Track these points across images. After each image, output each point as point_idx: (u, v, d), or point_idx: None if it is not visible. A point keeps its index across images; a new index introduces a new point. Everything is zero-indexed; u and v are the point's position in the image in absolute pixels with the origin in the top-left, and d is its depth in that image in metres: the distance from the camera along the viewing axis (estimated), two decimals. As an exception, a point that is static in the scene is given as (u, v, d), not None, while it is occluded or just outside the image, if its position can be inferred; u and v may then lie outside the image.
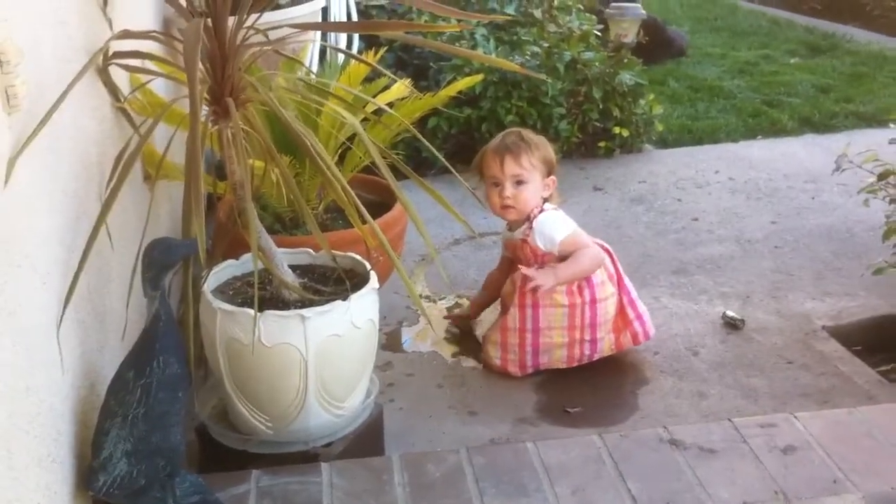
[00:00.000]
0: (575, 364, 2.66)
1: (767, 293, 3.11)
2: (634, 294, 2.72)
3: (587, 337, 2.63)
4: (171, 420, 1.72)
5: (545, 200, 2.71)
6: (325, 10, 4.01)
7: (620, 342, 2.69)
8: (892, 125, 4.72)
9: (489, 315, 2.86)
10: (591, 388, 2.59)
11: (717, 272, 3.28)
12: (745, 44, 6.74)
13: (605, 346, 2.67)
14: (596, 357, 2.66)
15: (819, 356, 2.72)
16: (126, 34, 2.05)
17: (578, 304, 2.61)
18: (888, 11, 7.18)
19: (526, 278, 2.60)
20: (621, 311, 2.68)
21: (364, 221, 1.99)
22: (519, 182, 2.66)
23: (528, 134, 2.76)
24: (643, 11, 4.94)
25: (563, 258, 2.64)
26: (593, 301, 2.62)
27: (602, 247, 2.69)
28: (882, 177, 2.91)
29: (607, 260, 2.68)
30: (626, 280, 2.73)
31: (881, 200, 2.93)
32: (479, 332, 2.84)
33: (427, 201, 2.14)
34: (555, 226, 2.65)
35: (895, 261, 2.79)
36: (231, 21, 1.99)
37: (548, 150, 2.73)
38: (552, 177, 2.72)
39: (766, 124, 4.88)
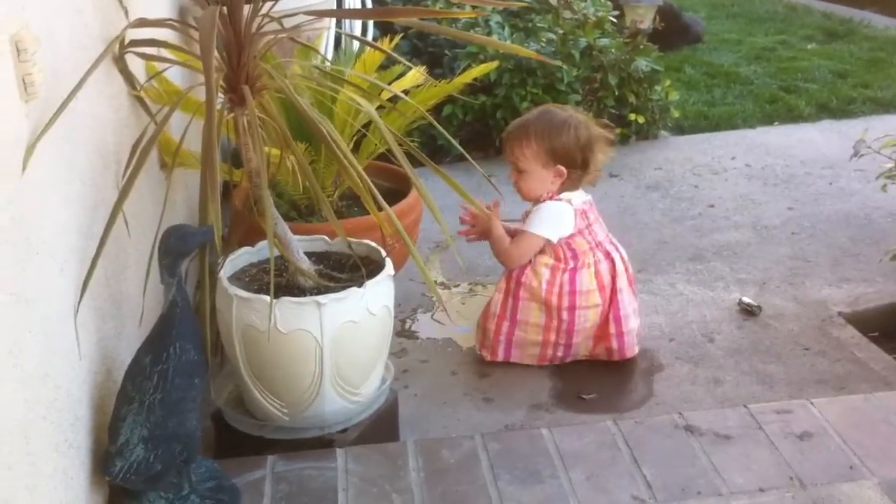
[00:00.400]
0: (546, 363, 2.63)
1: (784, 279, 3.10)
2: (628, 310, 2.60)
3: (562, 341, 2.60)
4: (188, 406, 1.73)
5: (563, 188, 2.59)
6: (339, 1, 4.01)
7: (594, 351, 2.64)
8: (910, 110, 4.69)
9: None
10: (606, 375, 2.59)
11: (734, 259, 3.27)
12: (762, 30, 6.69)
13: (581, 350, 2.63)
14: (569, 360, 2.63)
15: (836, 342, 2.71)
16: (142, 22, 2.06)
17: (555, 306, 2.55)
18: (907, -4, 7.11)
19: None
20: (604, 322, 2.59)
21: (380, 208, 2.00)
22: (519, 170, 2.61)
23: (541, 118, 2.60)
24: (659, -3, 4.92)
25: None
26: (572, 308, 2.56)
27: (607, 255, 2.60)
28: (900, 162, 2.89)
29: (605, 270, 2.59)
30: (624, 295, 2.60)
31: (900, 186, 2.92)
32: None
33: (442, 188, 2.15)
34: (543, 219, 2.57)
35: (913, 247, 2.78)
36: (246, 9, 2.00)
37: (557, 138, 2.54)
38: (557, 167, 2.55)
39: (783, 110, 4.85)
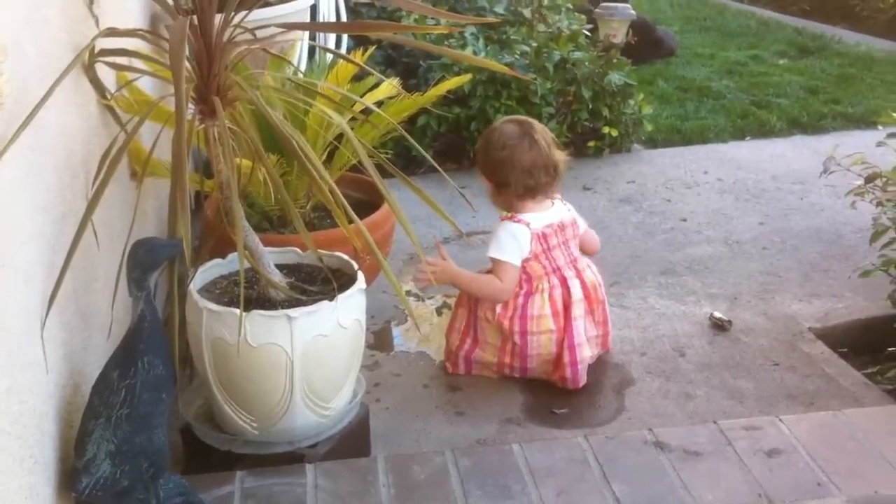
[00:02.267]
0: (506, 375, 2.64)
1: (755, 294, 3.12)
2: (581, 339, 2.56)
3: (516, 364, 2.59)
4: (155, 421, 1.71)
5: (523, 207, 2.59)
6: (314, 8, 4.00)
7: (553, 377, 2.59)
8: (880, 127, 4.68)
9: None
10: (578, 390, 2.58)
11: (705, 273, 3.28)
12: (735, 44, 6.75)
13: (538, 373, 2.61)
14: (528, 377, 2.62)
15: (805, 358, 2.72)
16: (112, 32, 2.04)
17: (507, 329, 2.54)
18: (877, 13, 7.21)
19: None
20: (559, 351, 2.55)
21: (351, 221, 1.99)
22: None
23: (483, 135, 2.72)
24: (633, 12, 4.95)
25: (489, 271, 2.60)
26: (524, 332, 2.54)
27: (563, 281, 2.56)
28: (869, 179, 2.92)
29: (558, 295, 2.55)
30: (579, 323, 2.56)
31: (868, 203, 2.94)
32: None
33: (416, 200, 2.13)
34: (498, 241, 2.56)
35: (882, 263, 2.80)
36: (218, 19, 1.99)
37: (480, 152, 2.64)
38: (483, 178, 2.64)
39: (755, 125, 4.89)
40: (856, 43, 6.66)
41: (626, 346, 2.79)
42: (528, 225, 2.56)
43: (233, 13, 2.00)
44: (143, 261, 1.71)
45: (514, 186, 2.58)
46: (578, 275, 2.61)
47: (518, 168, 2.56)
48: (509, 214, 2.60)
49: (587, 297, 2.61)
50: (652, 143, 4.69)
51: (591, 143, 4.45)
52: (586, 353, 2.59)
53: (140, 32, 2.15)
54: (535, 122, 2.67)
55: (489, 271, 2.60)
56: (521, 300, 2.56)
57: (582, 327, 2.58)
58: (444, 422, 2.45)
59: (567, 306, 2.55)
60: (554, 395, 2.56)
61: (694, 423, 2.33)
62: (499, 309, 2.56)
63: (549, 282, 2.56)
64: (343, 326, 2.02)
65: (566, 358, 2.54)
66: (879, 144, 3.05)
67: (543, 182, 2.58)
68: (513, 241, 2.54)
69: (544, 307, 2.54)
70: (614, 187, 4.12)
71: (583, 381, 2.58)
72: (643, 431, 2.17)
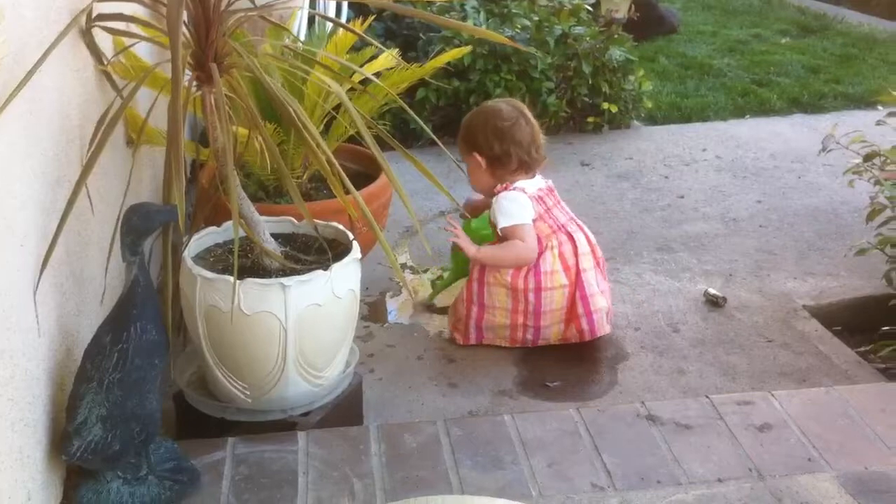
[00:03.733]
0: (518, 346, 2.64)
1: (750, 272, 3.12)
2: (594, 289, 2.60)
3: (530, 323, 2.60)
4: (147, 386, 1.72)
5: (513, 178, 2.64)
6: (314, -22, 3.98)
7: (566, 334, 2.63)
8: (879, 107, 4.72)
9: (453, 289, 2.85)
10: (572, 363, 2.59)
11: (701, 250, 3.28)
12: (737, 22, 6.72)
13: (552, 334, 2.63)
14: (540, 343, 2.63)
15: (799, 335, 2.73)
16: (109, -4, 2.03)
17: (521, 288, 2.57)
18: (881, -7, 7.16)
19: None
20: (572, 304, 2.59)
21: (347, 192, 1.99)
22: (467, 163, 2.71)
23: (474, 113, 2.76)
24: (635, -13, 4.92)
25: (502, 239, 2.62)
26: (538, 289, 2.57)
27: (570, 236, 2.61)
28: (868, 158, 2.92)
29: (568, 251, 2.60)
30: (589, 275, 2.60)
31: (866, 182, 2.94)
32: (441, 302, 2.87)
33: (413, 173, 2.14)
34: (504, 211, 2.60)
35: (878, 242, 2.80)
36: (217, -15, 1.97)
37: (471, 129, 2.68)
38: (473, 154, 2.66)
39: (755, 103, 4.87)
40: (858, 23, 6.63)
41: (621, 321, 2.79)
42: (523, 190, 2.62)
43: (231, -21, 1.99)
44: (137, 226, 1.71)
45: (513, 158, 2.63)
46: (581, 229, 2.67)
47: (518, 141, 2.63)
48: (503, 186, 2.63)
49: (593, 251, 2.66)
50: (652, 119, 4.67)
51: (591, 119, 4.44)
52: (601, 303, 2.62)
53: (137, -4, 2.13)
54: (513, 99, 2.82)
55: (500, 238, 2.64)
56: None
57: (593, 278, 2.62)
58: (437, 393, 2.45)
59: (576, 259, 2.61)
60: (547, 369, 2.57)
61: (687, 397, 2.34)
62: (510, 270, 2.59)
63: (556, 238, 2.61)
64: (337, 296, 2.02)
65: (580, 309, 2.58)
66: (879, 123, 3.05)
67: (537, 158, 2.68)
68: (516, 204, 2.60)
69: (555, 263, 2.59)
70: (612, 163, 4.11)
71: (602, 331, 2.62)
72: (635, 404, 2.17)
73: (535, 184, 2.66)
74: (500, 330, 2.63)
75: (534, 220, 2.60)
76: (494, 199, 2.63)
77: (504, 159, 2.63)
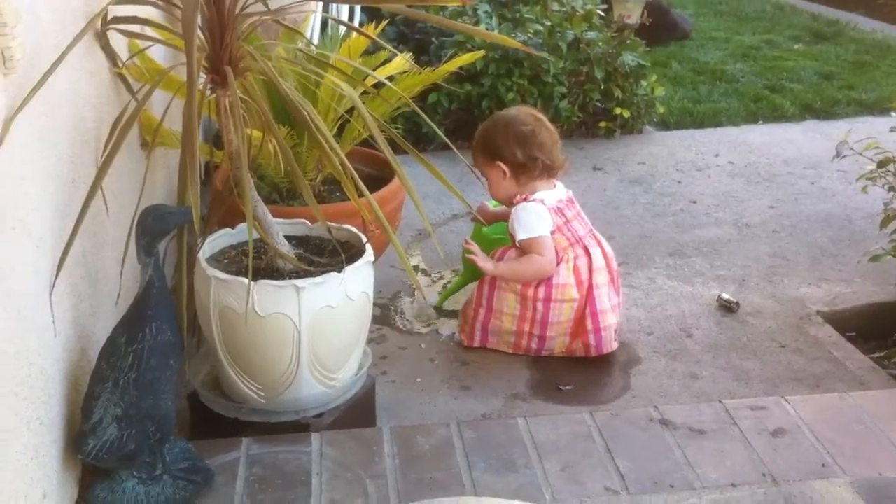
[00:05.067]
0: (521, 353, 2.63)
1: (763, 277, 3.11)
2: (606, 306, 2.58)
3: (535, 332, 2.60)
4: (162, 386, 1.72)
5: (533, 188, 2.63)
6: (328, -18, 3.99)
7: (571, 347, 2.61)
8: (893, 113, 4.71)
9: (465, 291, 2.84)
10: (584, 367, 2.59)
11: (714, 255, 3.27)
12: (750, 28, 6.71)
13: (556, 346, 2.62)
14: (543, 354, 2.62)
15: (813, 341, 2.72)
16: (125, -1, 2.04)
17: (531, 297, 2.57)
18: (894, 0, 7.14)
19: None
20: (581, 318, 2.57)
21: (360, 195, 2.00)
22: (483, 174, 2.70)
23: (483, 124, 2.75)
24: (648, -8, 4.92)
25: (520, 250, 2.61)
26: (548, 300, 2.57)
27: (586, 250, 2.60)
28: (882, 164, 2.90)
29: (583, 266, 2.58)
30: (602, 291, 2.59)
31: (880, 188, 2.93)
32: (451, 305, 2.87)
33: (426, 176, 2.14)
34: (522, 223, 2.59)
35: (892, 248, 2.79)
36: (232, -12, 1.98)
37: (491, 138, 2.65)
38: (496, 163, 2.62)
39: (768, 109, 4.86)
40: (872, 30, 6.61)
41: (634, 326, 2.78)
42: (542, 201, 2.60)
43: (246, -17, 2.00)
44: (152, 227, 1.72)
45: (538, 162, 2.62)
46: (599, 244, 2.66)
47: (541, 144, 2.63)
48: (522, 196, 2.62)
49: (608, 266, 2.64)
50: (664, 125, 4.67)
51: (603, 124, 4.43)
52: (611, 320, 2.60)
53: (153, 0, 2.14)
54: (524, 106, 2.83)
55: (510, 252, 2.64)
56: None
57: (605, 295, 2.60)
58: (450, 396, 2.45)
59: (590, 274, 2.59)
60: (560, 372, 2.56)
61: (700, 402, 2.33)
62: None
63: (573, 251, 2.60)
64: (350, 298, 2.02)
65: (589, 325, 2.57)
66: (892, 130, 3.04)
67: (560, 161, 2.68)
68: (535, 216, 2.59)
69: (569, 276, 2.57)
70: (625, 168, 4.11)
71: (609, 348, 2.60)
72: (648, 409, 2.17)
73: (555, 195, 2.64)
74: (506, 335, 2.63)
75: (552, 232, 2.58)
76: (514, 209, 2.62)
77: (529, 164, 2.62)
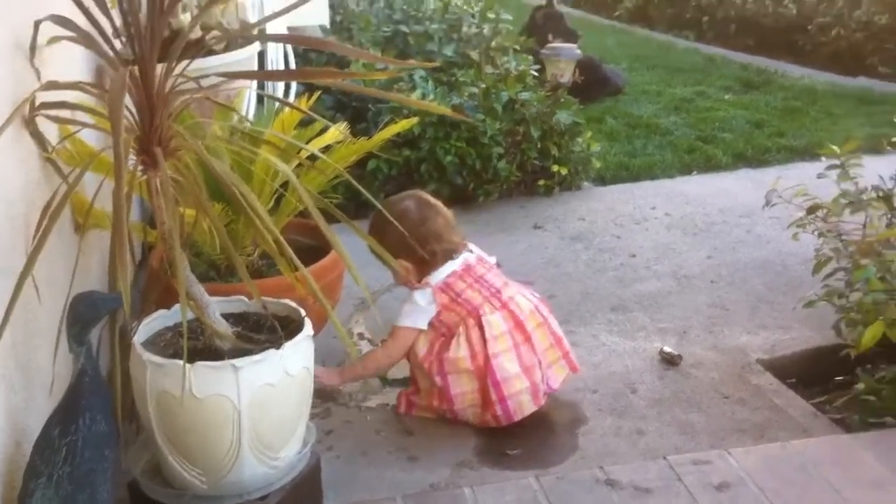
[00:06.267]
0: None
1: (704, 328, 3.15)
2: (507, 373, 2.52)
3: (444, 406, 2.58)
4: (99, 478, 1.69)
5: (431, 270, 2.63)
6: (262, 55, 4.01)
7: (484, 419, 2.57)
8: (823, 158, 4.82)
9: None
10: (531, 430, 2.59)
11: (655, 308, 3.31)
12: (681, 80, 6.87)
13: (470, 416, 2.59)
14: (463, 419, 2.60)
15: (755, 390, 2.75)
16: (52, 85, 2.04)
17: (428, 370, 2.58)
18: (819, 47, 7.38)
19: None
20: (484, 390, 2.53)
21: (296, 269, 1.99)
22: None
23: (371, 224, 2.67)
24: (578, 51, 5.02)
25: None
26: (442, 373, 2.56)
27: (479, 322, 2.56)
28: (810, 211, 2.98)
29: (475, 337, 2.55)
30: (504, 358, 2.54)
31: (811, 234, 2.99)
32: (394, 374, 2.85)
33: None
34: (404, 312, 2.64)
35: (825, 293, 2.84)
36: (160, 68, 1.99)
37: (380, 239, 2.31)
38: (400, 261, 2.57)
39: (702, 160, 4.97)
40: (800, 76, 6.82)
41: (579, 384, 2.79)
42: (428, 283, 2.62)
43: (175, 63, 2.01)
44: (83, 315, 1.70)
45: (438, 254, 2.63)
46: (504, 307, 2.60)
47: (437, 235, 2.64)
48: (421, 284, 2.64)
49: (518, 325, 2.59)
50: (601, 180, 4.74)
51: (542, 182, 4.49)
52: (519, 385, 2.53)
53: (81, 85, 2.14)
54: (413, 191, 2.85)
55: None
56: (441, 345, 2.60)
57: (510, 361, 2.54)
58: (397, 468, 2.43)
59: (485, 345, 2.54)
60: (507, 437, 2.56)
61: (646, 460, 2.34)
62: (422, 352, 2.60)
63: (465, 324, 2.58)
64: (291, 374, 2.00)
65: (493, 395, 2.52)
66: (820, 176, 3.11)
67: (458, 242, 2.69)
68: (417, 309, 2.63)
69: (459, 350, 2.55)
70: (565, 225, 4.15)
71: (520, 414, 2.55)
72: (594, 470, 2.18)
73: (447, 268, 2.63)
74: (425, 411, 2.66)
75: (439, 313, 2.60)
76: (409, 294, 2.66)
77: (430, 259, 2.62)
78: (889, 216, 2.93)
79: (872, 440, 2.31)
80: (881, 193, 2.97)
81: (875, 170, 3.03)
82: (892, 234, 2.72)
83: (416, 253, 2.58)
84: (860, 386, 2.64)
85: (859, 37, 7.04)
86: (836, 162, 3.02)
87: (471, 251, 2.71)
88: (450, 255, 2.65)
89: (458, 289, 2.61)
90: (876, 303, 2.55)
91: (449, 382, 2.55)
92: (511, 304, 2.63)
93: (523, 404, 2.56)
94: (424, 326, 2.62)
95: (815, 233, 2.97)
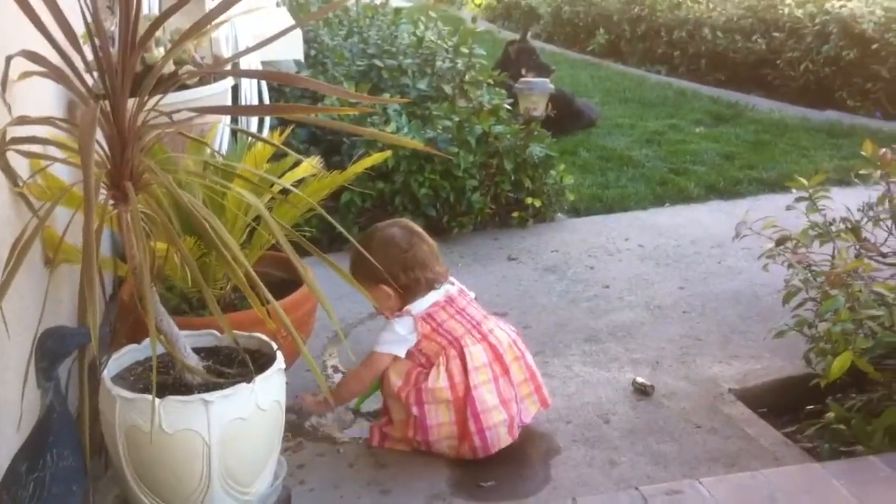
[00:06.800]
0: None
1: (676, 358, 3.17)
2: (486, 405, 2.53)
3: (419, 437, 2.57)
4: (66, 514, 1.67)
5: (411, 299, 2.63)
6: (235, 89, 4.03)
7: (461, 451, 2.57)
8: (793, 190, 4.88)
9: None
10: (504, 461, 2.59)
11: (628, 339, 3.33)
12: (654, 114, 6.95)
13: (445, 448, 2.59)
14: (437, 451, 2.59)
15: (726, 419, 2.77)
16: (23, 120, 2.04)
17: (405, 400, 2.57)
18: (788, 80, 7.49)
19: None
20: (463, 420, 2.53)
21: (267, 303, 1.99)
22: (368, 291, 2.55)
23: (355, 254, 2.62)
24: (551, 86, 5.07)
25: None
26: (419, 403, 2.55)
27: (461, 353, 2.56)
28: (779, 242, 3.01)
29: (456, 368, 2.54)
30: (484, 389, 2.54)
31: (780, 265, 3.03)
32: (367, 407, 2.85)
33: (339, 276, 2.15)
34: (383, 339, 2.64)
35: (796, 323, 2.87)
36: (132, 103, 2.00)
37: (364, 264, 2.47)
38: (380, 286, 2.60)
39: (674, 192, 5.02)
40: (769, 110, 6.92)
41: (552, 415, 2.80)
42: (409, 312, 2.62)
43: (147, 97, 2.02)
44: (51, 350, 1.70)
45: (421, 282, 2.63)
46: (484, 339, 2.61)
47: (422, 263, 2.64)
48: (402, 311, 2.63)
49: (497, 358, 2.60)
50: (575, 211, 4.78)
51: (516, 214, 4.52)
52: (498, 417, 2.54)
53: (52, 120, 2.14)
54: (399, 219, 2.85)
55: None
56: (418, 375, 2.59)
57: (490, 392, 2.55)
58: (370, 501, 2.42)
59: (466, 376, 2.54)
60: (481, 469, 2.55)
61: (619, 490, 2.35)
62: (398, 383, 2.59)
63: (445, 354, 2.58)
64: (262, 409, 2.00)
65: (472, 427, 2.52)
66: (789, 208, 3.15)
67: (441, 272, 2.69)
68: (396, 338, 2.62)
69: (439, 380, 2.55)
70: (539, 257, 4.18)
71: (497, 446, 2.56)
72: (567, 500, 2.19)
73: (428, 299, 2.62)
74: (399, 444, 2.65)
75: (419, 342, 2.59)
76: (387, 322, 2.66)
77: (413, 286, 2.62)
78: (857, 247, 2.97)
79: (843, 469, 2.32)
80: (849, 225, 3.02)
81: (843, 201, 3.07)
82: (860, 265, 2.75)
83: (400, 280, 2.60)
84: (830, 415, 2.66)
85: (827, 71, 7.16)
86: (805, 194, 3.06)
87: (452, 283, 2.72)
88: (432, 284, 2.64)
89: (441, 319, 2.61)
90: (845, 333, 2.57)
91: (426, 412, 2.55)
92: (491, 337, 2.63)
93: (500, 436, 2.57)
94: (402, 354, 2.61)
95: (785, 264, 3.00)
